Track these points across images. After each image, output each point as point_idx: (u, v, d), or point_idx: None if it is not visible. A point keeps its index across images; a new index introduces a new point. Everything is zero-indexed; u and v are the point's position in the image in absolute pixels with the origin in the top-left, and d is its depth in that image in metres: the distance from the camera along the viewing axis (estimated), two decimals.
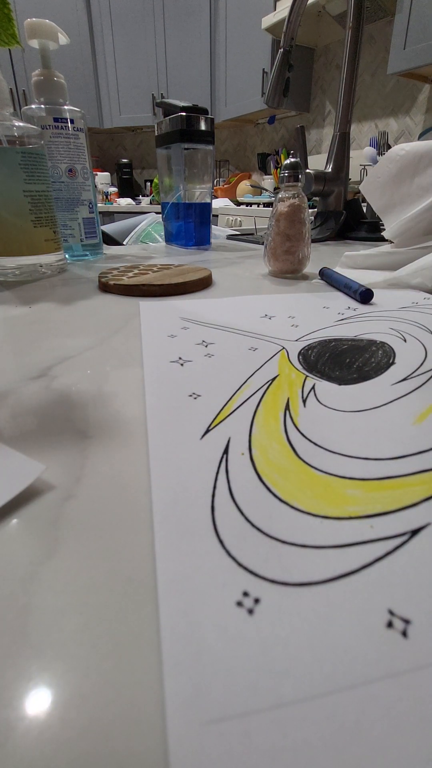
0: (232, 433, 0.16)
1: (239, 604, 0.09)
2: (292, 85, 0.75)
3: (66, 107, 0.52)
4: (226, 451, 0.15)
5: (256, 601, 0.10)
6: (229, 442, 0.16)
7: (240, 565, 0.10)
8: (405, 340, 0.26)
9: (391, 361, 0.23)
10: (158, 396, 0.19)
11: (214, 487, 0.13)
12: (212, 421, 0.17)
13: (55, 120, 0.51)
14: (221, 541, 0.11)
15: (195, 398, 0.19)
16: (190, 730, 0.07)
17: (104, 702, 0.08)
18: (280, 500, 0.13)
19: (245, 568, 0.10)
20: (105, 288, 0.40)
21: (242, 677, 0.08)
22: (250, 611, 0.09)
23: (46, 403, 0.19)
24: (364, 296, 0.35)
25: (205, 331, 0.28)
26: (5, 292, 0.40)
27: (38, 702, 0.08)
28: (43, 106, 0.51)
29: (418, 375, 0.21)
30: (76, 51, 2.81)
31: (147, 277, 0.41)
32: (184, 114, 0.60)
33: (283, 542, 0.11)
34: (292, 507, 0.12)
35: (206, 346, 0.25)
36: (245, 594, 0.10)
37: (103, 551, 0.11)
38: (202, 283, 0.42)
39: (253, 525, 0.12)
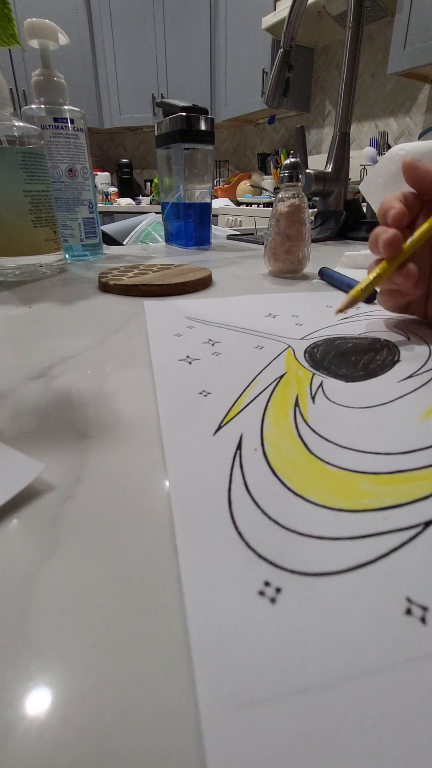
0: (244, 430, 0.16)
1: (261, 593, 0.10)
2: (292, 85, 0.75)
3: (66, 107, 0.52)
4: (239, 447, 0.15)
5: (278, 590, 0.10)
6: (241, 438, 0.16)
7: (260, 556, 0.11)
8: (408, 338, 0.27)
9: (396, 358, 0.24)
10: (169, 394, 0.19)
11: (230, 482, 0.13)
12: (224, 418, 0.17)
13: (55, 120, 0.51)
14: (240, 534, 0.11)
15: (205, 396, 0.19)
16: (221, 714, 0.07)
17: (104, 702, 0.08)
18: (295, 494, 0.13)
19: (265, 559, 0.11)
20: (105, 288, 0.40)
21: (267, 663, 0.08)
22: (273, 600, 0.10)
23: (46, 403, 0.19)
24: (369, 296, 0.35)
25: (210, 330, 0.28)
26: (5, 292, 0.40)
27: (38, 702, 0.08)
28: (43, 106, 0.51)
29: (424, 372, 0.22)
30: (76, 51, 2.81)
31: (147, 277, 0.41)
32: (184, 114, 0.60)
33: (300, 534, 0.11)
34: (307, 500, 0.13)
35: (213, 345, 0.25)
36: (266, 584, 0.10)
37: (103, 551, 0.11)
38: (202, 283, 0.42)
39: (270, 518, 0.12)
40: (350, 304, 0.25)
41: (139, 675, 0.08)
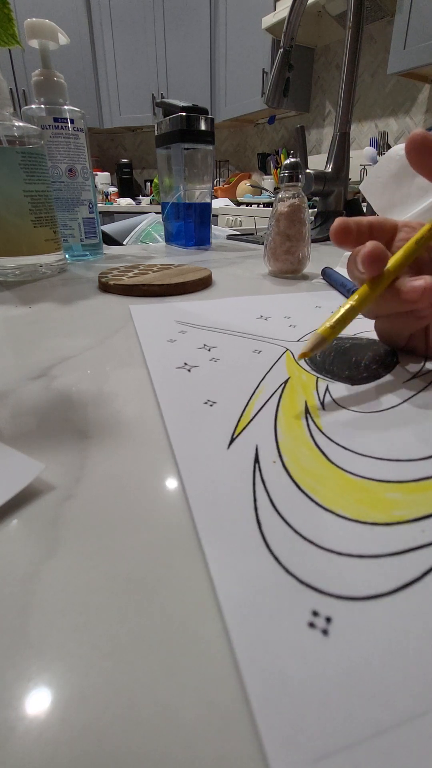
0: (259, 441, 0.16)
1: (311, 625, 0.09)
2: (292, 85, 0.75)
3: (66, 107, 0.52)
4: (257, 461, 0.15)
5: (328, 620, 0.09)
6: (257, 450, 0.15)
7: (301, 582, 0.10)
8: None
9: (395, 359, 0.23)
10: (173, 405, 0.18)
11: (255, 500, 0.13)
12: (234, 430, 0.16)
13: (55, 120, 0.51)
14: (277, 559, 0.11)
15: (211, 405, 0.18)
16: None
17: (104, 702, 0.08)
18: (324, 509, 0.12)
19: (308, 585, 0.10)
20: (105, 288, 0.40)
21: (338, 705, 0.08)
22: (325, 632, 0.09)
23: (46, 403, 0.19)
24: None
25: (204, 334, 0.28)
26: (5, 292, 0.40)
27: (38, 702, 0.08)
28: (43, 106, 0.51)
29: (426, 373, 0.22)
30: (76, 51, 2.81)
31: (147, 277, 0.41)
32: (184, 114, 0.60)
33: (339, 554, 0.11)
34: (338, 515, 0.12)
35: (209, 350, 0.25)
36: (315, 614, 0.09)
37: (103, 551, 0.11)
38: (202, 283, 0.42)
39: (304, 538, 0.11)
40: (317, 345, 0.19)
41: (139, 675, 0.08)
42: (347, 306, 0.20)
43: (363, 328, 0.29)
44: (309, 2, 1.22)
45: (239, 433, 0.16)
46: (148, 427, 0.17)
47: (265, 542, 0.11)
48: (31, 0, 2.57)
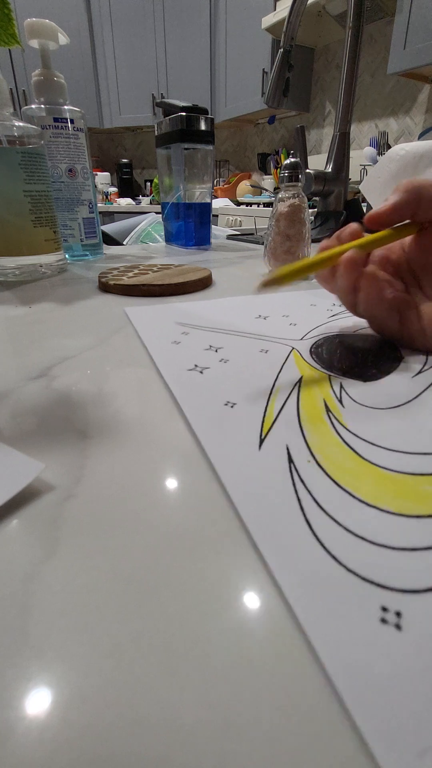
0: (288, 441, 0.16)
1: (384, 621, 0.09)
2: (292, 85, 0.75)
3: (66, 107, 0.52)
4: (290, 461, 0.15)
5: (398, 614, 0.09)
6: (288, 450, 0.15)
7: (364, 579, 0.10)
8: None
9: (399, 354, 0.24)
10: (194, 407, 0.18)
11: (299, 500, 0.13)
12: (261, 430, 0.17)
13: (55, 120, 0.51)
14: (334, 557, 0.11)
15: (231, 407, 0.18)
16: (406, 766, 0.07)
17: (104, 702, 0.08)
18: (367, 504, 0.13)
19: (371, 582, 0.10)
20: (105, 288, 0.40)
21: (428, 699, 0.08)
22: (398, 626, 0.09)
23: (46, 403, 0.19)
24: None
25: (207, 335, 0.28)
26: (5, 292, 0.40)
27: (38, 702, 0.08)
28: (43, 106, 0.51)
29: (430, 368, 0.22)
30: (76, 51, 2.81)
31: (147, 277, 0.41)
32: (184, 114, 0.60)
33: (393, 548, 0.11)
34: (381, 510, 0.12)
35: (216, 351, 0.25)
36: (384, 609, 0.09)
37: (103, 551, 0.11)
38: (202, 283, 0.42)
39: (356, 535, 0.11)
40: (273, 282, 0.21)
41: (139, 675, 0.08)
42: (309, 261, 0.23)
43: (364, 323, 0.29)
44: (309, 2, 1.22)
45: (267, 434, 0.16)
46: (149, 427, 0.17)
47: (319, 542, 0.11)
48: (31, 0, 2.57)
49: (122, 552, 0.11)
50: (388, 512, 0.12)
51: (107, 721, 0.08)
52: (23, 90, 2.69)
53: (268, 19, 2.17)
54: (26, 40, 0.49)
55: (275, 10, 2.19)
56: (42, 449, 0.15)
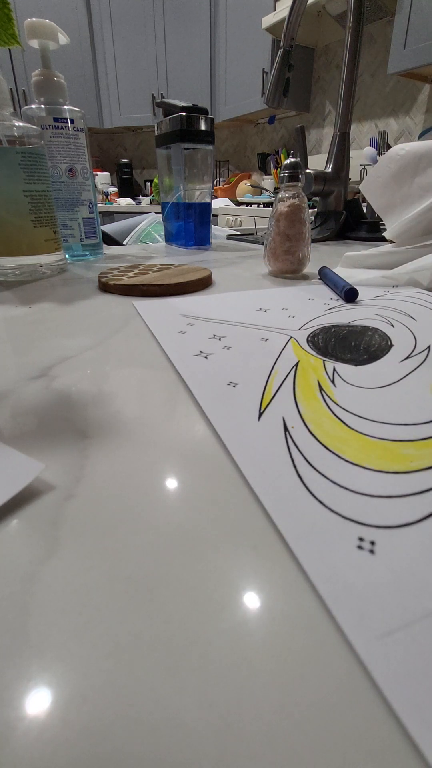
0: (284, 413, 0.18)
1: (360, 547, 0.11)
2: (292, 85, 0.75)
3: (66, 107, 0.52)
4: (285, 429, 0.17)
5: (372, 543, 0.11)
6: (284, 420, 0.17)
7: (345, 518, 0.12)
8: (393, 325, 0.29)
9: (389, 343, 0.26)
10: (201, 387, 0.20)
11: (292, 459, 0.15)
12: (260, 405, 0.19)
13: (55, 120, 0.51)
14: (321, 502, 0.13)
15: (234, 386, 0.20)
16: (371, 644, 0.09)
17: (104, 702, 0.08)
18: (352, 464, 0.15)
19: (351, 520, 0.12)
20: (105, 288, 0.40)
21: (391, 599, 0.10)
22: (372, 551, 0.11)
23: (46, 403, 0.19)
24: (348, 296, 0.36)
25: (211, 326, 0.29)
26: (5, 292, 0.40)
27: (38, 702, 0.08)
28: (43, 106, 0.51)
29: (418, 354, 0.24)
30: (76, 51, 2.81)
31: (147, 277, 0.41)
32: (184, 114, 0.60)
33: (372, 496, 0.13)
34: (365, 467, 0.14)
35: (220, 340, 0.27)
36: (360, 539, 0.11)
37: (103, 551, 0.11)
38: (202, 283, 0.42)
39: (340, 486, 0.13)
40: None
41: (139, 675, 0.08)
42: None
43: (358, 316, 0.31)
44: (309, 2, 1.22)
45: (265, 408, 0.18)
46: (149, 427, 0.17)
47: (309, 491, 0.13)
48: (31, 0, 2.57)
49: (122, 552, 0.11)
50: (370, 469, 0.14)
51: (107, 721, 0.08)
52: (23, 90, 2.69)
53: (268, 19, 2.17)
54: (26, 40, 0.49)
55: (275, 10, 2.19)
56: (42, 449, 0.16)
